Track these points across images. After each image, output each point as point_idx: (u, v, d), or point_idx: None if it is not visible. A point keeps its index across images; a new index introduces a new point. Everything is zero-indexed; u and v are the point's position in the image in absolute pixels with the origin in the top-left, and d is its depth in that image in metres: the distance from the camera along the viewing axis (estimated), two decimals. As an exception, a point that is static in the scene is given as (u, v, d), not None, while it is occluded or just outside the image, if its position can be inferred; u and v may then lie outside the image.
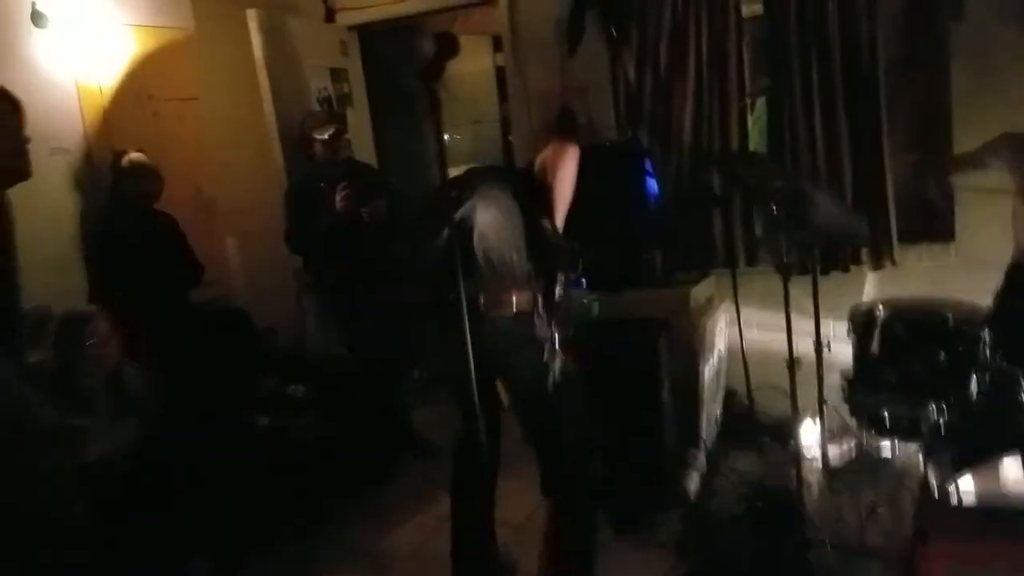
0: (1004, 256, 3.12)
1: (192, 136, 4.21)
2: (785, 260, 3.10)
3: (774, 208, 3.06)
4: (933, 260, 3.61)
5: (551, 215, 2.51)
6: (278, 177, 4.19)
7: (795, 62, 3.63)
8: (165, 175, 3.68)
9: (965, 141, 3.41)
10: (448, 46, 2.13)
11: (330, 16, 4.63)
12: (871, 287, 3.74)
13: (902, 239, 3.62)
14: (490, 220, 2.44)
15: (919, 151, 3.52)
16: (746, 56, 3.78)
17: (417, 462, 3.88)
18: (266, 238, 4.11)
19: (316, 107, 4.34)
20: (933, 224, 3.59)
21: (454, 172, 4.91)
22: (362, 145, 4.63)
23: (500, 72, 5.07)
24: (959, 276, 3.42)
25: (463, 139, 5.10)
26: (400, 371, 4.05)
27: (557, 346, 2.41)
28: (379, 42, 4.89)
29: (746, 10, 3.75)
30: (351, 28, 4.69)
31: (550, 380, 2.40)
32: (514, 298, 2.41)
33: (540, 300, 2.42)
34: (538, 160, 2.59)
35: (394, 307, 3.75)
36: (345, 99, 4.60)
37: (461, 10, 4.46)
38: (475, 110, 5.12)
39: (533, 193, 2.51)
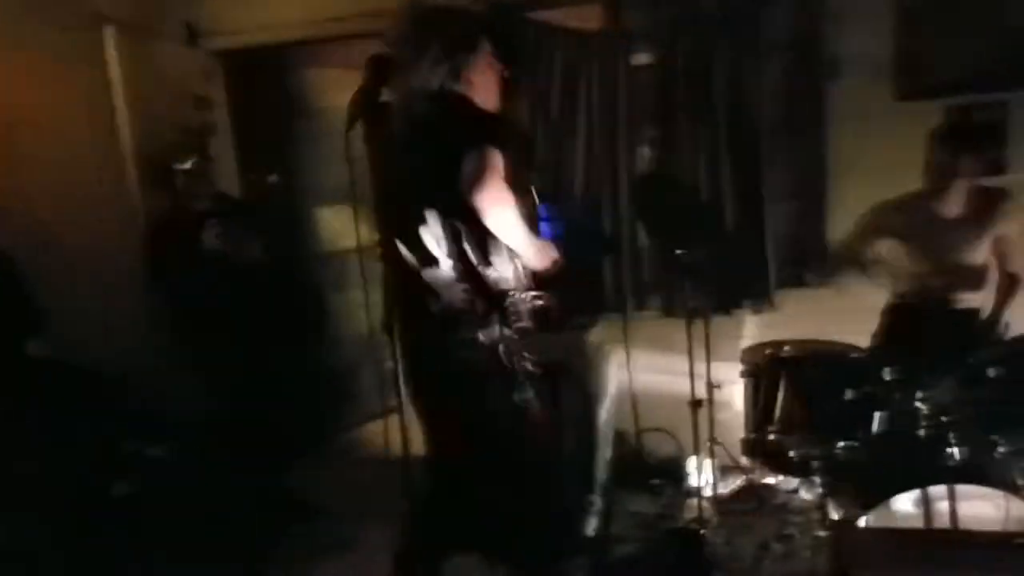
0: (869, 303, 3.38)
1: (34, 164, 3.73)
2: (687, 304, 3.22)
3: (674, 252, 3.16)
4: (811, 304, 3.80)
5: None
6: (133, 211, 3.82)
7: (683, 112, 3.76)
8: (-1, 207, 3.23)
9: (842, 192, 3.67)
10: (383, 71, 1.99)
11: (193, 40, 4.30)
12: (750, 330, 3.89)
13: (783, 284, 3.80)
14: None
15: (798, 200, 3.71)
16: (637, 105, 3.86)
17: (296, 526, 3.58)
18: (121, 279, 3.72)
19: (177, 136, 4.01)
20: (811, 269, 3.79)
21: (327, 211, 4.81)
22: (227, 176, 4.33)
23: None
24: (828, 320, 3.60)
25: (339, 178, 4.87)
26: (279, 425, 3.75)
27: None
28: (248, 69, 4.59)
29: (635, 60, 3.84)
30: (216, 53, 4.37)
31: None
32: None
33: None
34: None
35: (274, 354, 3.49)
36: (208, 128, 4.27)
37: (341, 42, 4.27)
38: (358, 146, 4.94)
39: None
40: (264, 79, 4.70)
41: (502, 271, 2.29)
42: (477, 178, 2.05)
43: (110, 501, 3.22)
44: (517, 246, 2.25)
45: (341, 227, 4.60)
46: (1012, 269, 3.19)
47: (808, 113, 3.69)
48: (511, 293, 2.29)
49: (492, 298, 2.24)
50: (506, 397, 2.29)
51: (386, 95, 2.14)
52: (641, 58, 3.85)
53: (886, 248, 3.26)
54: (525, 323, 2.32)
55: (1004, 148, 3.59)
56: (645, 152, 3.95)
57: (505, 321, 2.24)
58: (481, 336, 2.24)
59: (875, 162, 3.56)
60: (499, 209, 2.14)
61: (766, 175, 3.72)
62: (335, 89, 4.87)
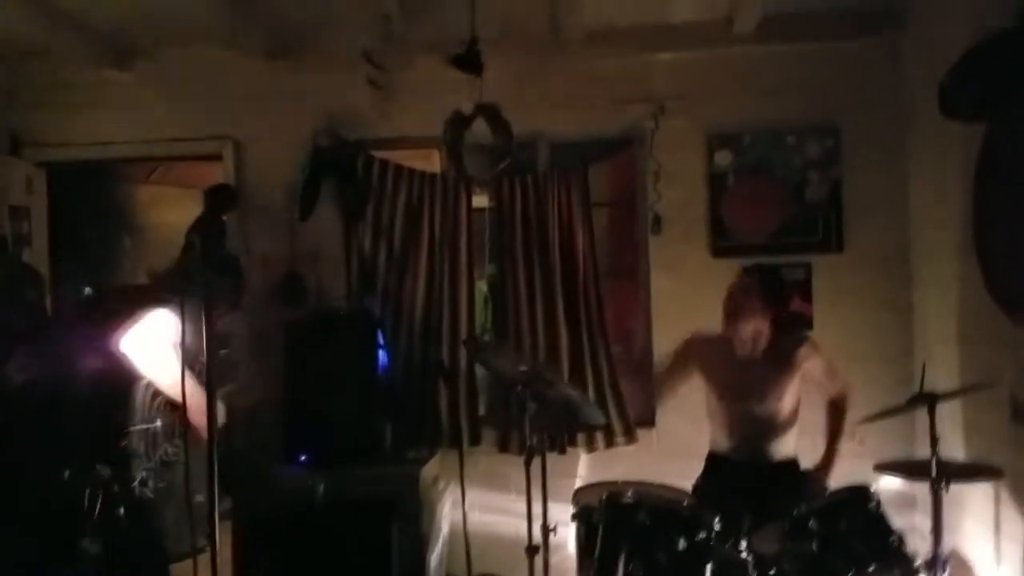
0: (695, 445, 3.49)
1: None
2: (520, 441, 3.20)
3: (519, 390, 3.16)
4: (638, 445, 3.93)
5: None
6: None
7: (518, 254, 3.93)
8: None
9: (661, 334, 3.89)
10: (225, 199, 1.97)
11: (15, 149, 4.06)
12: (583, 469, 3.94)
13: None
14: None
15: (624, 343, 3.91)
16: (476, 243, 3.99)
17: None
18: None
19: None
20: (637, 410, 3.93)
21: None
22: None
23: (214, 229, 4.77)
24: (657, 461, 3.72)
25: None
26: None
27: None
28: (70, 181, 4.37)
29: (476, 202, 4.00)
30: (39, 164, 4.14)
31: None
32: None
33: None
34: None
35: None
36: (22, 239, 3.97)
37: (164, 161, 4.19)
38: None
39: None
40: (89, 192, 4.50)
41: None
42: None
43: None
44: None
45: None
46: (830, 392, 3.35)
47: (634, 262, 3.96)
48: None
49: None
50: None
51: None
52: (482, 200, 4.03)
53: (700, 378, 3.40)
54: None
55: (808, 305, 3.96)
56: (483, 287, 4.06)
57: None
58: None
59: (689, 306, 3.83)
60: None
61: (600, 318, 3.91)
62: (161, 206, 4.76)
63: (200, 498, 2.29)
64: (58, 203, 4.31)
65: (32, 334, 3.10)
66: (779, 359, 3.29)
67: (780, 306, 3.49)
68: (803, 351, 3.30)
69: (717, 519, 2.72)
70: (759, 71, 3.96)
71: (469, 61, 3.39)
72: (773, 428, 3.31)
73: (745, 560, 2.74)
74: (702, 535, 2.69)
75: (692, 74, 4.00)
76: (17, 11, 3.40)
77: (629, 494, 2.81)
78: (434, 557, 3.49)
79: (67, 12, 3.56)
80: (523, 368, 3.04)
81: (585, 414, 3.23)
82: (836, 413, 3.37)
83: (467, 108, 3.49)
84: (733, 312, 3.27)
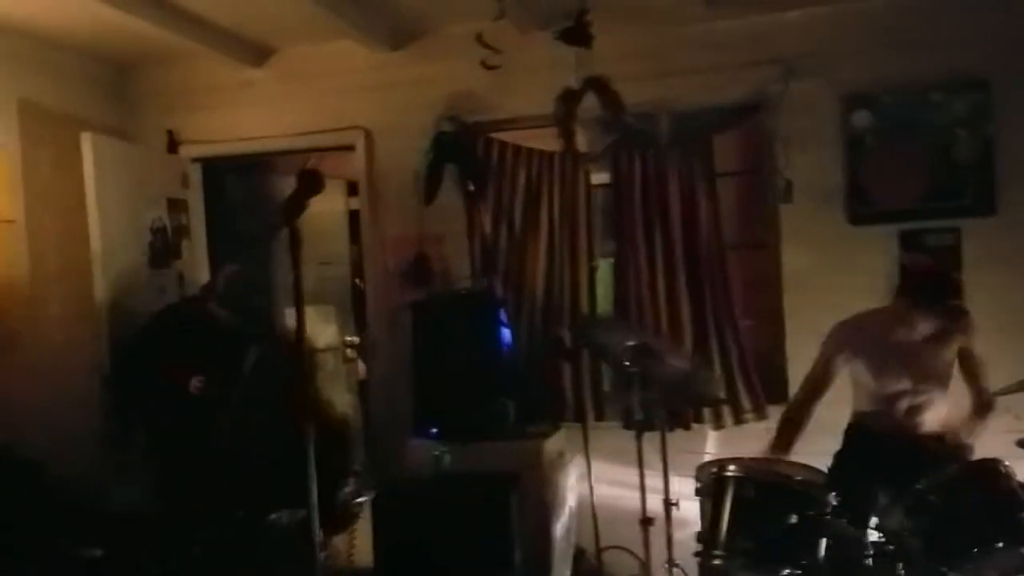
0: (832, 421, 3.37)
1: (3, 261, 3.77)
2: (637, 417, 3.20)
3: (626, 365, 3.17)
4: (770, 421, 3.80)
5: None
6: (96, 312, 3.85)
7: (638, 230, 3.89)
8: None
9: (793, 308, 3.74)
10: (312, 184, 2.07)
11: (173, 147, 4.46)
12: (712, 445, 3.88)
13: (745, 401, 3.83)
14: None
15: (753, 318, 3.78)
16: (595, 220, 3.99)
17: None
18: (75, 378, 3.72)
19: (149, 236, 4.11)
20: (769, 387, 3.81)
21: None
22: (199, 277, 4.41)
23: (352, 215, 5.06)
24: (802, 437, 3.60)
25: (307, 279, 4.98)
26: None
27: None
28: (225, 176, 4.75)
29: (595, 178, 3.99)
30: (195, 160, 4.52)
31: None
32: None
33: None
34: None
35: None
36: (182, 230, 4.37)
37: (315, 153, 4.44)
38: (323, 250, 5.06)
39: None
40: (246, 186, 4.87)
41: None
42: None
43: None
44: None
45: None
46: (981, 384, 3.18)
47: (764, 234, 3.82)
48: None
49: None
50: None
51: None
52: (602, 177, 4.01)
53: (850, 366, 3.26)
54: None
55: (957, 272, 3.68)
56: (604, 264, 4.05)
57: None
58: None
59: (824, 281, 3.67)
60: None
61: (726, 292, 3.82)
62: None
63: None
64: (215, 197, 4.69)
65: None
66: (943, 334, 3.12)
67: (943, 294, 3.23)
68: (962, 326, 3.13)
69: (834, 495, 2.64)
70: (897, 23, 3.69)
71: (578, 34, 3.36)
72: (925, 405, 3.15)
73: (863, 537, 2.65)
74: (815, 511, 2.63)
75: (822, 31, 3.79)
76: (163, 20, 3.70)
77: (733, 468, 2.79)
78: (559, 528, 3.55)
79: (203, 17, 3.85)
80: (630, 343, 3.04)
81: (699, 387, 3.18)
82: (981, 407, 3.19)
83: (575, 82, 3.48)
84: (906, 304, 3.10)
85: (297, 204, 2.00)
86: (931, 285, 3.11)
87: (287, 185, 4.95)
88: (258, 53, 4.35)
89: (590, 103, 3.60)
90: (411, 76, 4.18)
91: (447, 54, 4.09)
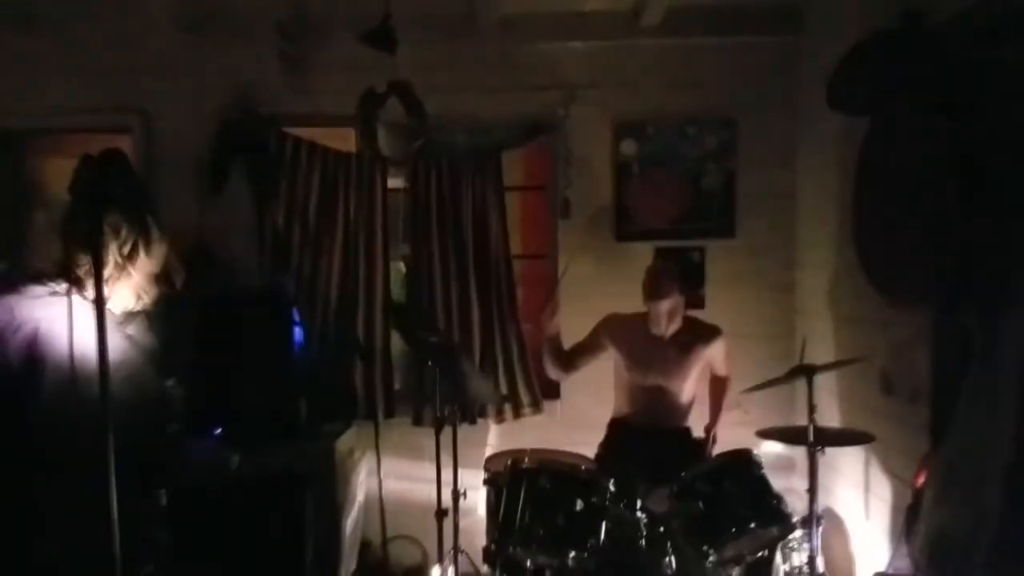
0: (598, 416, 3.75)
1: None
2: (435, 413, 3.34)
3: (429, 362, 3.30)
4: (543, 416, 4.13)
5: None
6: None
7: (433, 235, 4.02)
8: None
9: (569, 313, 4.04)
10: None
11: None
12: (494, 438, 4.12)
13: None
14: None
15: (532, 322, 4.06)
16: (391, 223, 4.05)
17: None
18: None
19: None
20: (544, 383, 4.12)
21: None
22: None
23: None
24: (563, 431, 3.95)
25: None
26: None
27: None
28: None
29: (391, 183, 4.06)
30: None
31: None
32: None
33: None
34: None
35: None
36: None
37: (67, 133, 4.06)
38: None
39: None
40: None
41: None
42: None
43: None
44: None
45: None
46: (721, 373, 3.73)
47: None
48: None
49: None
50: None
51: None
52: (397, 181, 4.09)
53: (612, 355, 3.65)
54: None
55: (702, 286, 4.22)
56: (400, 267, 4.14)
57: None
58: None
59: (597, 292, 4.05)
60: None
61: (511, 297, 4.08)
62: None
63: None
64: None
65: None
66: (689, 342, 3.58)
67: (691, 286, 3.82)
68: (714, 344, 3.60)
69: (612, 482, 2.92)
70: (664, 63, 4.14)
71: (382, 38, 3.37)
72: (674, 401, 3.61)
73: (637, 519, 2.96)
74: (597, 497, 2.89)
75: (602, 63, 4.14)
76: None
77: (528, 460, 2.99)
78: (349, 523, 3.58)
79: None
80: (433, 339, 3.19)
81: (474, 389, 3.40)
82: (718, 390, 3.75)
83: (380, 85, 3.52)
84: (652, 290, 3.50)
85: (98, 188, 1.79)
86: (652, 284, 3.53)
87: (51, 167, 4.50)
88: (27, 20, 3.89)
89: (394, 108, 3.65)
90: (200, 59, 3.97)
91: (240, 40, 3.94)
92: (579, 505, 2.87)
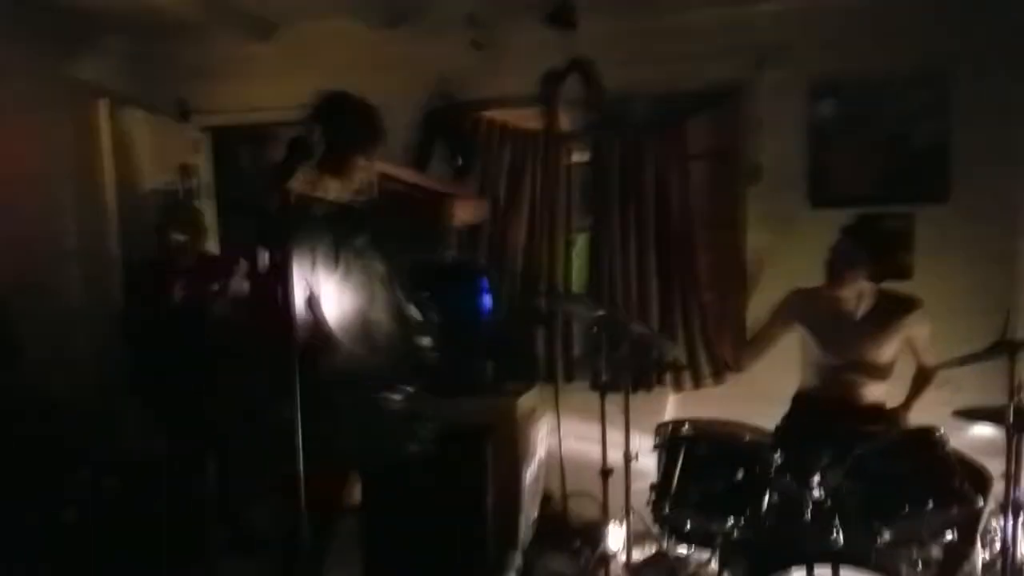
0: (782, 390, 3.65)
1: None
2: (602, 378, 3.49)
3: (594, 331, 3.45)
4: (724, 387, 4.10)
5: None
6: (113, 267, 4.17)
7: (614, 206, 4.14)
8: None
9: (758, 286, 4.00)
10: (301, 150, 2.26)
11: (185, 116, 4.72)
12: (671, 407, 4.18)
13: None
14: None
15: (716, 292, 4.05)
16: (574, 197, 4.25)
17: (238, 552, 3.74)
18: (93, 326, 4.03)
19: (161, 199, 4.41)
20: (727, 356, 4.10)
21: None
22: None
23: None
24: (745, 403, 3.86)
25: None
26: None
27: None
28: (238, 146, 5.00)
29: (575, 157, 4.23)
30: (203, 129, 4.79)
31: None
32: None
33: None
34: None
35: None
36: (191, 193, 4.65)
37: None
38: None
39: None
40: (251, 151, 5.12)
41: None
42: None
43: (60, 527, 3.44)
44: None
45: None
46: (924, 362, 3.45)
47: (730, 213, 4.09)
48: None
49: None
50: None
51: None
52: (582, 155, 4.26)
53: (798, 334, 3.53)
54: None
55: (909, 255, 3.94)
56: (581, 239, 4.32)
57: None
58: None
59: (787, 261, 3.92)
60: None
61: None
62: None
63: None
64: (226, 166, 4.93)
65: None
66: (884, 318, 3.36)
67: (883, 260, 3.52)
68: (913, 317, 3.35)
69: (778, 454, 2.90)
70: (862, 17, 3.89)
71: (562, 18, 3.54)
72: (867, 379, 3.41)
73: (804, 492, 2.88)
74: (760, 467, 2.87)
75: (792, 24, 3.98)
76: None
77: (687, 427, 3.04)
78: (529, 475, 3.85)
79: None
80: (599, 313, 3.33)
81: (658, 350, 3.45)
82: (920, 383, 3.48)
83: (560, 64, 3.67)
84: (833, 275, 3.35)
85: (287, 169, 2.16)
86: (832, 269, 3.33)
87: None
88: (263, 28, 4.53)
89: (572, 84, 3.81)
90: (405, 53, 4.34)
91: (439, 32, 4.25)
92: (740, 474, 2.89)
